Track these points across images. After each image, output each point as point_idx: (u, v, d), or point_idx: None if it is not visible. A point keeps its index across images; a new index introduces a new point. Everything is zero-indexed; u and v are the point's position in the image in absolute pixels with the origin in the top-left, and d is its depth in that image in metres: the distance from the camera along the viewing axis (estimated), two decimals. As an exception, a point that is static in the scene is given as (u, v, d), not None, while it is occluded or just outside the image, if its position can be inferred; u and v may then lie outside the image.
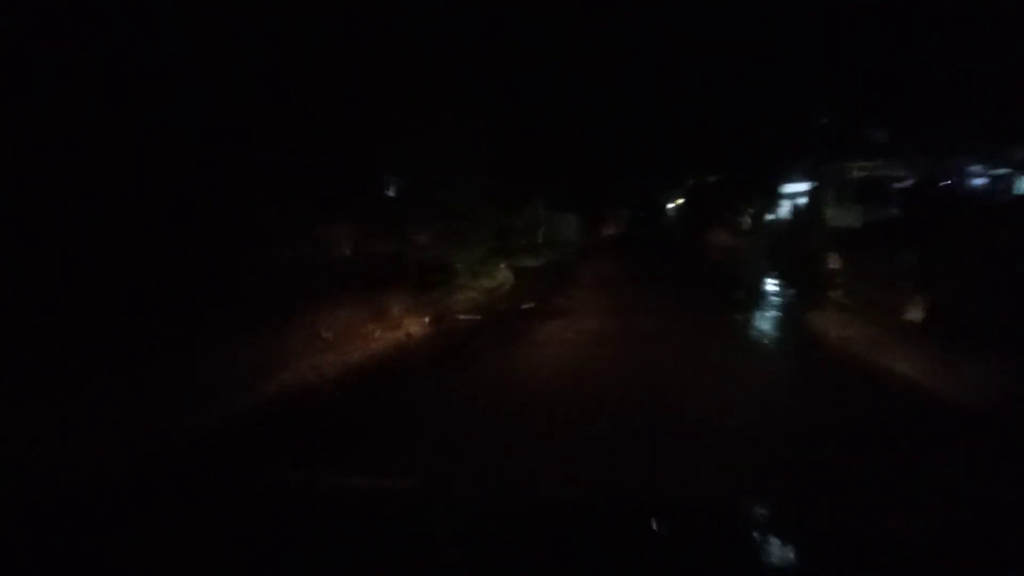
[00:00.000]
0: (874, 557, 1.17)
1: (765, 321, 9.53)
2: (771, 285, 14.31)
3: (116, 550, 1.15)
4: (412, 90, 12.32)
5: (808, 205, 24.16)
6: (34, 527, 1.20)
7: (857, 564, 1.16)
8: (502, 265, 14.82)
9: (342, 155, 11.54)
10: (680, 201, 42.82)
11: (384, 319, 8.57)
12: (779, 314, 10.20)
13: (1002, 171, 15.93)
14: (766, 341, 8.26)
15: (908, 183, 14.22)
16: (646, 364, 6.56)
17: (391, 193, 14.02)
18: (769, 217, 28.48)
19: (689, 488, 3.24)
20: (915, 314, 8.55)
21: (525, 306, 10.93)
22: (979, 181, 16.32)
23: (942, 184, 11.52)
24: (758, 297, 12.19)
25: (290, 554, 1.13)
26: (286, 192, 9.66)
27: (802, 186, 27.57)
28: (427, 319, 9.08)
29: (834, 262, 15.78)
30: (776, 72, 26.34)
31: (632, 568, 1.14)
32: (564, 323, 9.10)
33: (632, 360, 6.74)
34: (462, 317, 9.60)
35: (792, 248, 20.51)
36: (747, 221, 30.19)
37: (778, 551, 1.27)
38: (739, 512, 1.53)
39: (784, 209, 28.67)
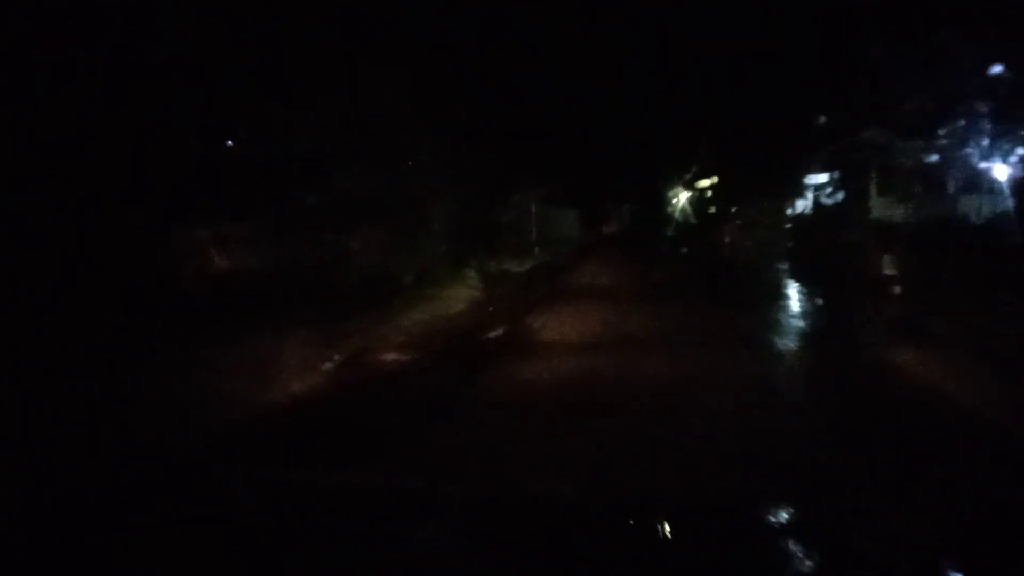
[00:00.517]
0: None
1: (831, 363, 6.52)
2: (813, 298, 11.30)
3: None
4: (358, 58, 9.41)
5: (836, 197, 21.11)
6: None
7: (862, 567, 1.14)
8: (472, 272, 11.87)
9: (248, 136, 8.67)
10: (686, 195, 39.79)
11: (263, 366, 5.64)
12: (847, 349, 7.15)
13: None
14: (853, 409, 5.20)
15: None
16: (667, 467, 3.62)
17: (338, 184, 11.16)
18: (788, 211, 25.50)
19: (691, 491, 2.91)
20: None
21: (489, 335, 8.00)
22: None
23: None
24: (805, 319, 9.20)
25: (288, 554, 1.09)
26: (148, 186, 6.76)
27: (822, 177, 24.63)
28: (333, 363, 6.15)
29: (888, 267, 12.85)
30: (790, 47, 23.41)
31: (633, 569, 1.12)
32: (537, 370, 6.15)
33: (641, 458, 3.80)
34: (389, 357, 6.64)
35: (824, 249, 17.54)
36: (763, 216, 27.17)
37: (780, 554, 1.22)
38: (741, 515, 1.44)
39: (804, 202, 25.65)
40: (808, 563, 1.17)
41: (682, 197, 41.20)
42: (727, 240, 24.50)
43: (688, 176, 37.79)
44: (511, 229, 19.94)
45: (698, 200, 36.52)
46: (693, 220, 34.38)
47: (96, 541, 1.14)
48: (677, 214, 40.28)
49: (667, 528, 1.28)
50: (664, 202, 42.01)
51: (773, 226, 25.88)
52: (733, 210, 31.84)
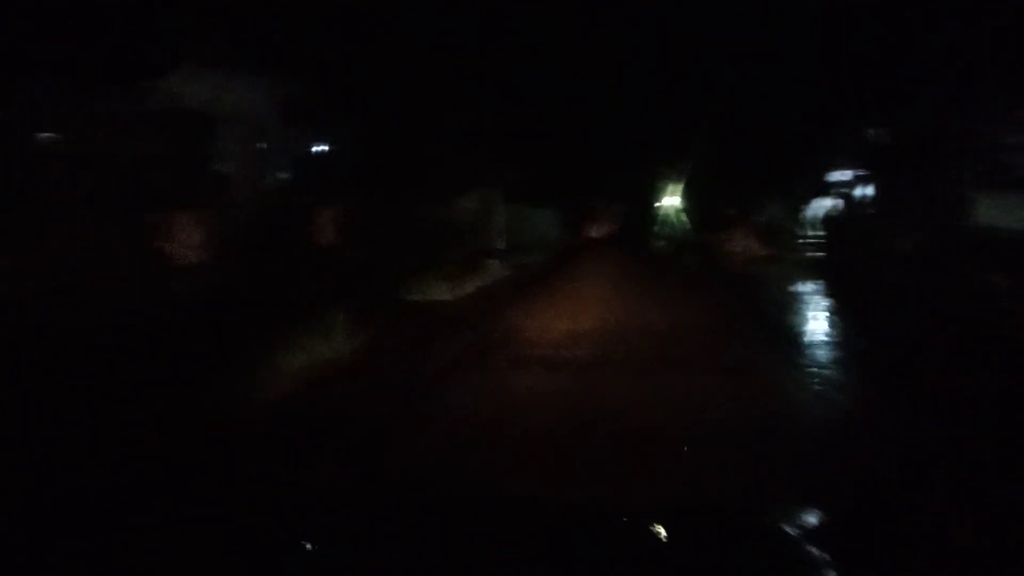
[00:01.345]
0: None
1: None
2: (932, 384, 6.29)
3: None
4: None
5: (889, 194, 16.22)
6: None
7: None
8: (339, 319, 6.88)
9: None
10: (682, 196, 35.03)
11: None
12: None
13: None
14: None
15: None
16: None
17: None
18: (813, 212, 20.76)
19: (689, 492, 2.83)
20: None
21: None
22: None
23: None
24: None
25: (288, 554, 1.12)
26: None
27: (846, 173, 19.95)
28: None
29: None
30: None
31: (631, 570, 1.14)
32: None
33: None
34: None
35: (886, 263, 12.81)
36: (778, 218, 22.41)
37: (775, 557, 1.22)
38: (735, 517, 1.45)
39: (828, 202, 20.90)
40: (805, 565, 1.17)
41: (678, 199, 36.46)
42: (739, 251, 19.71)
43: (685, 173, 33.06)
44: (461, 233, 15.06)
45: (698, 201, 31.74)
46: (691, 225, 29.67)
47: (97, 540, 1.15)
48: (674, 217, 35.55)
49: (662, 531, 1.27)
50: (658, 202, 37.27)
51: (792, 230, 21.19)
52: (731, 212, 26.93)
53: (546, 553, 1.12)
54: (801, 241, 19.33)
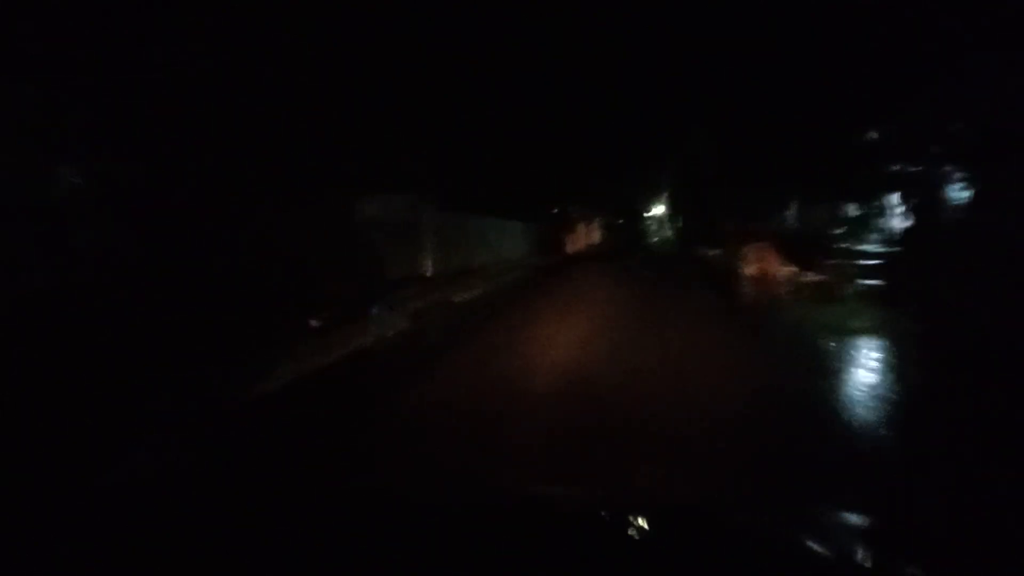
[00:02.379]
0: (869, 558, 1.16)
1: None
2: None
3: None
4: None
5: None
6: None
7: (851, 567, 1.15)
8: None
9: None
10: (664, 206, 29.68)
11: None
12: None
13: None
14: None
15: None
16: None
17: None
18: (876, 219, 15.24)
19: (686, 490, 2.74)
20: None
21: None
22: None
23: None
24: None
25: (288, 555, 1.10)
26: None
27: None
28: None
29: None
30: None
31: (628, 569, 1.12)
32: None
33: None
34: None
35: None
36: (819, 227, 16.92)
37: (769, 553, 1.18)
38: (733, 513, 1.42)
39: (901, 210, 15.42)
40: (800, 565, 1.15)
41: (664, 203, 31.20)
42: (760, 283, 14.14)
43: (680, 178, 27.80)
44: (355, 255, 9.35)
45: (694, 205, 26.42)
46: (694, 237, 24.24)
47: (99, 542, 1.12)
48: (662, 226, 30.23)
49: (661, 529, 1.27)
50: (640, 211, 31.98)
51: (835, 246, 15.66)
52: (761, 218, 21.36)
53: (543, 553, 1.09)
54: (859, 263, 13.77)
